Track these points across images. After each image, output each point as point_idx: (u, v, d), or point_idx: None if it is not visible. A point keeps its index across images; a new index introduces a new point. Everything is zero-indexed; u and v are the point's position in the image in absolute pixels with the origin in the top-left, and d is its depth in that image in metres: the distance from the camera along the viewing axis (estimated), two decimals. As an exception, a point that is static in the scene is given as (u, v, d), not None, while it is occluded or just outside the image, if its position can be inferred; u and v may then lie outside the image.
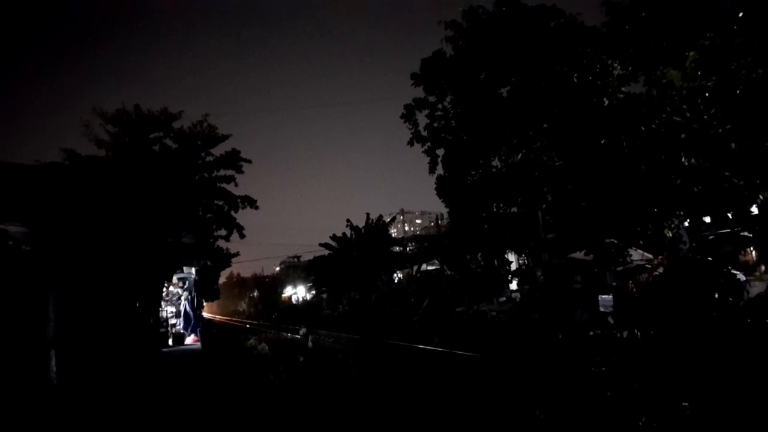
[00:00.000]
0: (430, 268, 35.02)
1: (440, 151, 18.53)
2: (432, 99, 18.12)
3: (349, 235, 33.29)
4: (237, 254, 22.23)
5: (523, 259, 26.13)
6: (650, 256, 17.85)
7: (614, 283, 17.81)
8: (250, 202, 16.90)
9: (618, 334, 12.45)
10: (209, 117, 16.05)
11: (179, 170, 15.25)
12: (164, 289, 17.66)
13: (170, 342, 17.75)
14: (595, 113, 14.94)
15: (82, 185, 12.32)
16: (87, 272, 11.30)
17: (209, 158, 16.25)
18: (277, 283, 64.51)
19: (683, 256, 15.57)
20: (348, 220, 33.14)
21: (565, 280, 19.83)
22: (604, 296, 15.90)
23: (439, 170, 18.84)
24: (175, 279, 18.26)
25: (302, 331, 21.92)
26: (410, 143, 18.51)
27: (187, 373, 12.63)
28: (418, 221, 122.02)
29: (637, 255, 18.09)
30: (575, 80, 15.36)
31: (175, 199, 14.57)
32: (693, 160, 13.20)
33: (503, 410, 7.48)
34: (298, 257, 65.91)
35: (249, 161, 16.69)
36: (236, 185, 16.53)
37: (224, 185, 16.37)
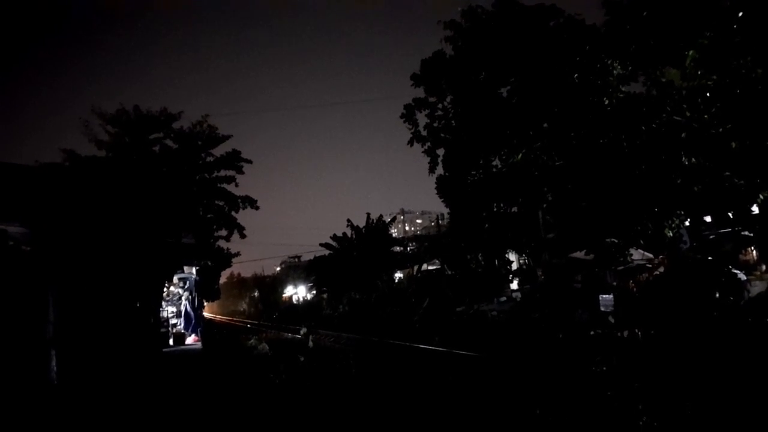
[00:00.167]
0: (430, 267, 35.02)
1: (440, 151, 18.52)
2: (432, 99, 18.10)
3: (349, 235, 33.28)
4: (237, 254, 22.25)
5: (524, 259, 26.14)
6: (651, 255, 17.83)
7: (615, 283, 17.80)
8: (251, 203, 16.91)
9: (618, 334, 12.44)
10: (209, 117, 16.08)
11: (179, 171, 15.26)
12: (165, 289, 17.68)
13: (171, 342, 17.78)
14: (595, 113, 14.92)
15: (82, 186, 12.33)
16: (87, 272, 11.31)
17: (210, 159, 16.26)
18: (278, 283, 64.48)
19: (684, 256, 15.57)
20: (348, 220, 33.17)
21: (565, 280, 19.83)
22: (604, 296, 15.90)
23: (439, 170, 18.83)
24: (175, 279, 18.28)
25: (303, 331, 21.93)
26: (410, 143, 18.50)
27: (187, 373, 12.64)
28: (418, 221, 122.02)
29: (637, 254, 18.07)
30: (575, 80, 15.34)
31: (175, 199, 14.58)
32: (693, 160, 13.19)
33: (504, 409, 7.48)
34: (299, 257, 65.91)
35: (249, 161, 16.70)
36: (237, 185, 16.55)
37: (225, 185, 16.38)
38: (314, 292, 46.93)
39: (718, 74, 12.02)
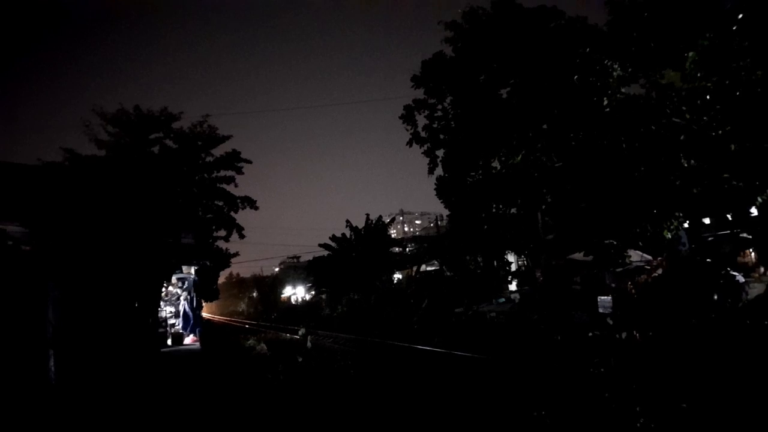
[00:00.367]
0: (429, 268, 35.01)
1: (440, 152, 18.55)
2: (432, 100, 18.13)
3: (348, 235, 33.23)
4: (236, 254, 22.26)
5: (523, 260, 26.15)
6: (649, 257, 17.84)
7: (613, 285, 17.80)
8: (250, 203, 16.91)
9: (617, 336, 12.45)
10: (209, 117, 16.07)
11: (179, 171, 15.25)
12: (163, 289, 17.65)
13: (169, 342, 17.74)
14: (594, 114, 14.95)
15: (82, 185, 12.30)
16: (86, 272, 11.29)
17: (209, 159, 16.25)
18: (277, 283, 64.35)
19: (682, 258, 15.57)
20: (347, 221, 33.10)
21: (564, 281, 19.83)
22: (603, 297, 15.91)
23: (439, 171, 18.87)
24: (174, 279, 18.24)
25: (301, 331, 21.89)
26: (409, 144, 18.53)
27: (185, 373, 12.62)
28: (417, 222, 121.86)
29: (636, 256, 18.08)
30: (575, 81, 15.36)
31: (174, 199, 14.58)
32: (692, 162, 13.21)
33: (502, 410, 7.48)
34: (298, 258, 65.88)
35: (249, 162, 16.69)
36: (236, 186, 16.55)
37: (224, 186, 16.38)
38: (313, 292, 46.88)
39: (718, 76, 12.04)
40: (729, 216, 16.34)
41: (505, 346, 13.89)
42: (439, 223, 41.96)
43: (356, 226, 32.99)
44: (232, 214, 16.83)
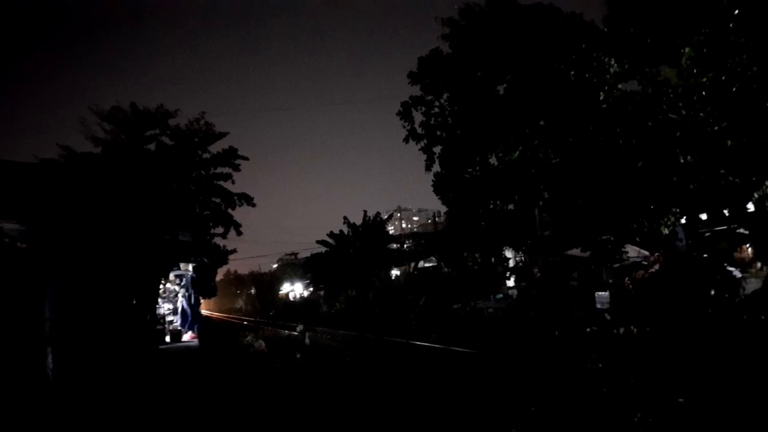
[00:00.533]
0: (427, 265, 35.03)
1: (437, 149, 18.55)
2: (429, 97, 18.12)
3: (346, 232, 33.21)
4: (234, 251, 22.25)
5: (520, 256, 26.15)
6: (646, 253, 17.89)
7: (610, 280, 17.85)
8: (247, 200, 16.93)
9: (614, 331, 12.50)
10: (206, 115, 16.07)
11: (176, 167, 15.24)
12: (161, 286, 17.62)
13: (167, 339, 17.72)
14: (591, 111, 14.96)
15: (79, 182, 12.29)
16: (83, 270, 11.27)
17: (206, 156, 16.24)
18: (275, 280, 64.31)
19: (679, 253, 15.61)
20: (345, 218, 33.04)
21: (561, 277, 19.89)
22: (600, 293, 15.96)
23: (436, 167, 18.88)
24: (172, 276, 18.21)
25: (299, 328, 21.95)
26: (406, 140, 18.54)
27: (184, 370, 12.62)
28: (415, 218, 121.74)
29: (633, 252, 18.13)
30: (572, 77, 15.37)
31: (171, 196, 14.57)
32: (689, 158, 13.24)
33: (499, 406, 7.51)
34: (296, 254, 65.74)
35: (246, 158, 16.70)
36: (233, 183, 16.56)
37: (221, 183, 16.39)
38: (311, 289, 46.90)
39: (714, 72, 12.07)
40: (726, 212, 16.38)
41: (502, 342, 13.93)
42: (436, 219, 41.94)
43: (354, 223, 32.96)
44: (230, 210, 16.86)
